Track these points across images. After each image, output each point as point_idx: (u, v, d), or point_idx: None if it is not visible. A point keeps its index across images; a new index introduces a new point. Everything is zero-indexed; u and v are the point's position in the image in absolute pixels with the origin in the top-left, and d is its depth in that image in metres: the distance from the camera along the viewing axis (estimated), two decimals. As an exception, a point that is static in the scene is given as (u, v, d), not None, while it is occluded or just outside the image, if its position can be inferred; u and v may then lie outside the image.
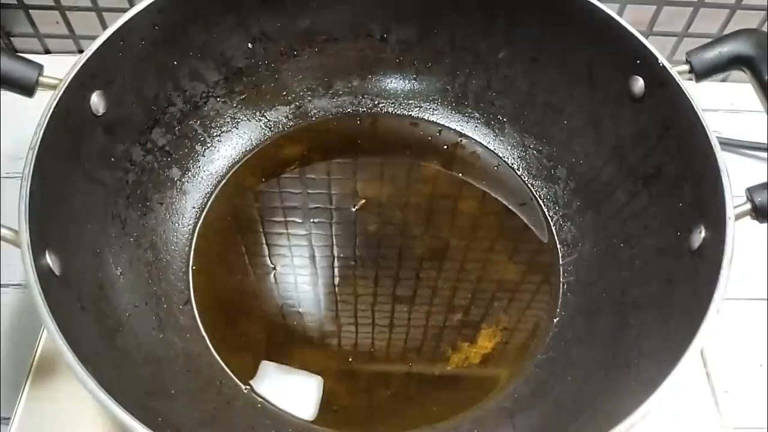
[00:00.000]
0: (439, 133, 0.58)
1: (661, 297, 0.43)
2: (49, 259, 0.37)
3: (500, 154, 0.57)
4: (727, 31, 0.56)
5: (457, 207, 0.54)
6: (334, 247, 0.51)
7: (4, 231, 0.37)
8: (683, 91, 0.42)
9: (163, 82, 0.50)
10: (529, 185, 0.55)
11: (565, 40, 0.50)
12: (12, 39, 0.66)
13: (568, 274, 0.51)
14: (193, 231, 0.52)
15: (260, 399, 0.45)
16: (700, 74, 0.45)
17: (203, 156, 0.55)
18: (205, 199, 0.54)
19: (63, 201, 0.41)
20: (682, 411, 0.48)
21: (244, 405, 0.45)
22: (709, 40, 0.45)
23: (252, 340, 0.47)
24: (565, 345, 0.47)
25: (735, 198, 0.38)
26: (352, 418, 0.45)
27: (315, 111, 0.58)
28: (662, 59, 0.44)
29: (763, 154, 0.62)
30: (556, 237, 0.53)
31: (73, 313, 0.38)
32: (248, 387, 0.45)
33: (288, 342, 0.47)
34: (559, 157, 0.54)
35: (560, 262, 0.52)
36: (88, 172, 0.44)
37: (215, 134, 0.55)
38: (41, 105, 0.40)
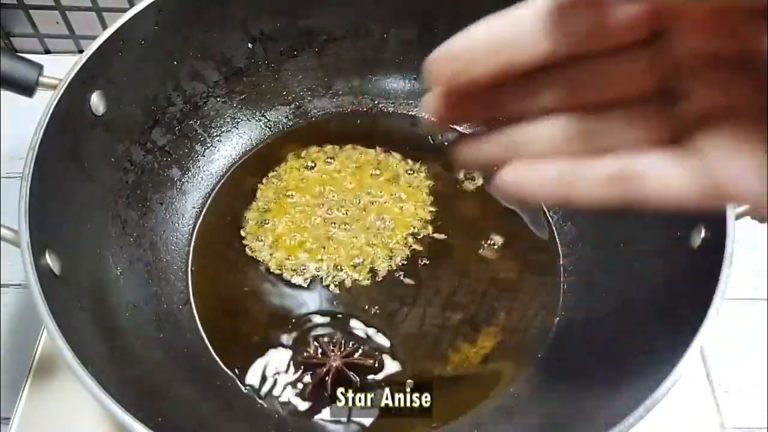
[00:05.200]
0: (439, 133, 0.58)
1: (661, 297, 0.43)
2: (49, 259, 0.37)
3: (500, 154, 0.57)
4: (727, 31, 0.56)
5: (457, 206, 0.54)
6: (334, 246, 0.51)
7: (4, 231, 0.37)
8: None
9: (163, 82, 0.50)
10: (529, 185, 0.55)
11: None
12: (12, 39, 0.66)
13: (568, 274, 0.51)
14: (193, 231, 0.52)
15: (260, 399, 0.45)
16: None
17: (203, 156, 0.55)
18: (205, 199, 0.54)
19: (63, 201, 0.42)
20: (682, 411, 0.48)
21: (244, 405, 0.45)
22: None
23: (252, 340, 0.47)
24: (565, 345, 0.47)
25: (735, 198, 0.38)
26: (351, 418, 0.45)
27: (315, 111, 0.59)
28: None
29: (763, 154, 0.62)
30: (556, 237, 0.53)
31: (73, 313, 0.38)
32: (248, 387, 0.45)
33: (287, 342, 0.47)
34: (559, 157, 0.54)
35: (560, 262, 0.52)
36: (88, 172, 0.44)
37: (215, 134, 0.55)
38: (41, 105, 0.40)
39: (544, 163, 0.23)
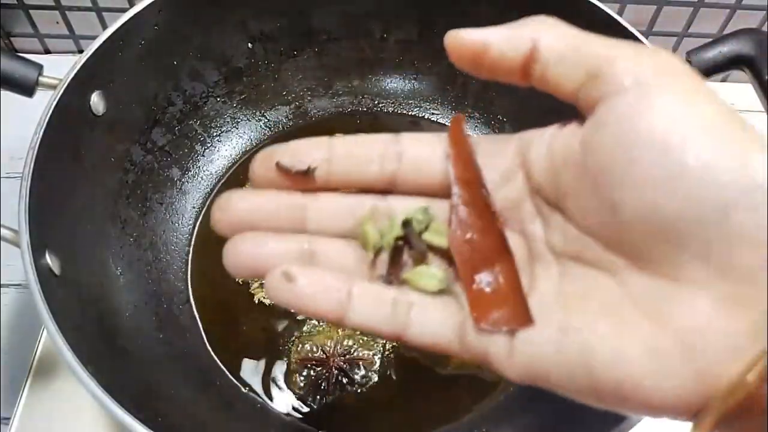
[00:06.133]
0: (439, 133, 0.58)
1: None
2: (49, 259, 0.37)
3: (500, 154, 0.57)
4: (727, 31, 0.56)
5: (457, 207, 0.54)
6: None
7: (4, 231, 0.37)
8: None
9: (163, 82, 0.50)
10: (529, 185, 0.55)
11: (565, 40, 0.50)
12: (12, 39, 0.66)
13: (568, 274, 0.51)
14: (193, 231, 0.52)
15: (260, 399, 0.45)
16: (700, 74, 0.45)
17: (203, 156, 0.55)
18: (205, 199, 0.54)
19: (63, 201, 0.42)
20: (682, 411, 0.48)
21: (244, 405, 0.45)
22: (709, 40, 0.45)
23: (251, 340, 0.47)
24: (565, 345, 0.47)
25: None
26: (351, 418, 0.45)
27: (315, 111, 0.58)
28: (662, 59, 0.44)
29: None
30: (556, 237, 0.53)
31: (73, 313, 0.38)
32: (248, 387, 0.45)
33: (287, 342, 0.47)
34: (559, 157, 0.54)
35: (560, 262, 0.51)
36: (88, 172, 0.44)
37: (215, 134, 0.55)
38: (41, 105, 0.40)
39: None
